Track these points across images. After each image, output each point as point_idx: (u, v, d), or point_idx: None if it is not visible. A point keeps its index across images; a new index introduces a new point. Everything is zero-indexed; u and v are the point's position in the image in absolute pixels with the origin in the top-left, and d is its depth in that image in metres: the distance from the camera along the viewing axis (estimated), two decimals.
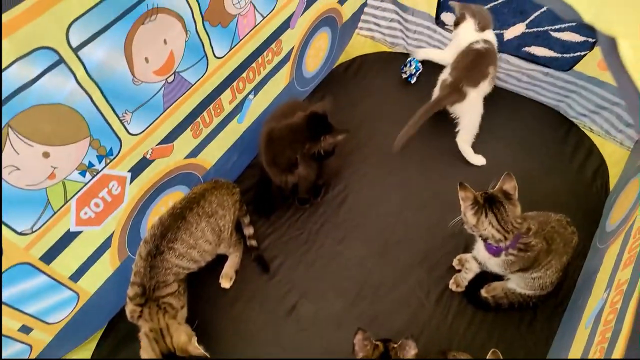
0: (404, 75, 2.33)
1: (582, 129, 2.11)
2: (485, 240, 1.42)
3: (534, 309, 1.64)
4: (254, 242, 1.81)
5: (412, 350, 1.29)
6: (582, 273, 1.68)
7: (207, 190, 1.61)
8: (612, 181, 1.95)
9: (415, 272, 1.76)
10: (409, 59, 2.33)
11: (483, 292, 1.66)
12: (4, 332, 1.22)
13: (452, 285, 1.71)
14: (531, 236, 1.41)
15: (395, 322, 1.65)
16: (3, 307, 1.18)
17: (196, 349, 1.37)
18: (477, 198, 1.37)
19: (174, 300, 1.47)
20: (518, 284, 1.60)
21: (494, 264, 1.50)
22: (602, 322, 1.19)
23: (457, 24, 2.03)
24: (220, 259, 1.74)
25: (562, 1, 0.60)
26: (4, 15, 0.90)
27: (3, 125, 0.99)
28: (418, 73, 2.32)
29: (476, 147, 2.06)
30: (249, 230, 1.81)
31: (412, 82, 2.32)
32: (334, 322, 1.66)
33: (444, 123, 2.17)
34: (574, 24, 2.25)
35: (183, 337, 1.40)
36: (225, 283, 1.73)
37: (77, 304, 1.42)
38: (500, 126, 2.14)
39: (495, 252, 1.43)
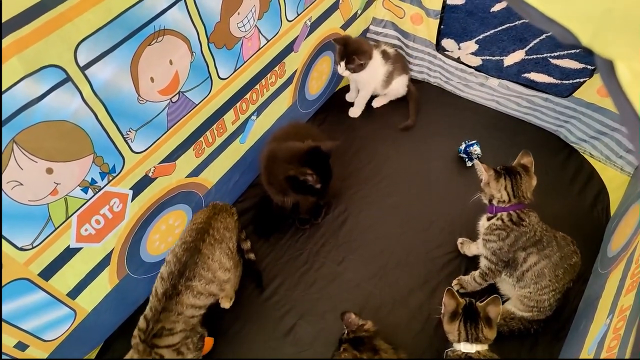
0: (464, 157, 2.14)
1: (582, 154, 2.13)
2: (490, 201, 1.59)
3: (535, 335, 1.62)
4: (252, 256, 1.80)
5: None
6: (583, 298, 1.66)
7: (210, 217, 1.59)
8: (613, 207, 1.95)
9: (416, 295, 1.75)
10: (471, 143, 2.13)
11: None
12: None
13: None
14: (528, 216, 1.53)
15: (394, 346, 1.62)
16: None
17: None
18: (496, 169, 1.57)
19: (170, 355, 1.41)
20: (515, 305, 1.60)
21: (482, 230, 1.62)
22: (605, 349, 1.17)
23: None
24: None
25: (560, 24, 0.62)
26: (14, 34, 0.92)
27: (9, 140, 1.00)
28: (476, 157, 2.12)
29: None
30: (246, 245, 1.80)
31: (469, 165, 2.12)
32: (333, 344, 1.63)
33: (444, 146, 2.19)
34: (573, 51, 2.29)
35: None
36: (225, 303, 1.72)
37: (74, 321, 1.41)
38: (500, 150, 2.15)
39: (493, 212, 1.58)
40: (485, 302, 1.48)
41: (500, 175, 1.54)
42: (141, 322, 1.42)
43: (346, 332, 1.49)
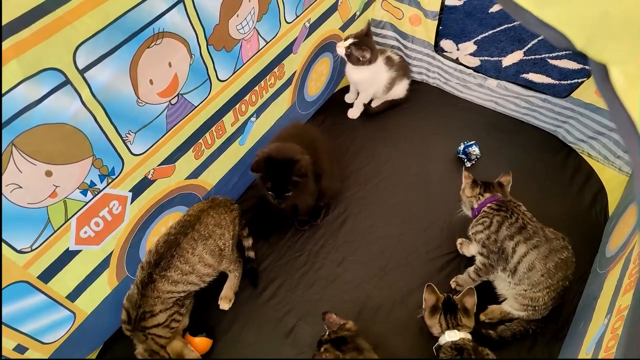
0: (463, 157, 2.13)
1: (581, 154, 2.13)
2: (472, 208, 1.71)
3: (535, 335, 1.62)
4: (251, 254, 1.81)
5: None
6: (582, 298, 1.67)
7: (202, 211, 1.61)
8: (611, 206, 1.95)
9: (415, 295, 1.75)
10: (470, 143, 2.13)
11: (481, 316, 1.67)
12: None
13: None
14: (505, 202, 1.63)
15: (394, 346, 1.63)
16: None
17: (191, 352, 1.46)
18: (476, 180, 1.73)
19: (163, 331, 1.47)
20: (512, 305, 1.61)
21: (471, 230, 1.69)
22: (603, 348, 1.18)
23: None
24: (219, 280, 1.73)
25: (554, 29, 0.62)
26: (13, 37, 0.93)
27: (8, 143, 1.01)
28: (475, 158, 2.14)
29: (476, 170, 2.08)
30: (247, 242, 1.81)
31: (468, 165, 2.13)
32: None
33: (443, 147, 2.19)
34: (570, 52, 2.30)
35: (178, 343, 1.46)
36: (224, 305, 1.72)
37: (73, 323, 1.41)
38: (499, 151, 2.16)
39: (476, 214, 1.68)
40: (461, 294, 1.59)
41: (476, 185, 1.71)
42: (123, 315, 1.46)
43: (327, 333, 1.50)
